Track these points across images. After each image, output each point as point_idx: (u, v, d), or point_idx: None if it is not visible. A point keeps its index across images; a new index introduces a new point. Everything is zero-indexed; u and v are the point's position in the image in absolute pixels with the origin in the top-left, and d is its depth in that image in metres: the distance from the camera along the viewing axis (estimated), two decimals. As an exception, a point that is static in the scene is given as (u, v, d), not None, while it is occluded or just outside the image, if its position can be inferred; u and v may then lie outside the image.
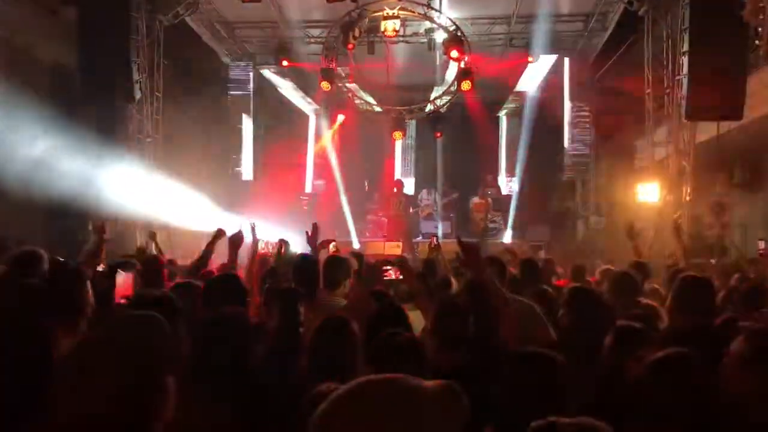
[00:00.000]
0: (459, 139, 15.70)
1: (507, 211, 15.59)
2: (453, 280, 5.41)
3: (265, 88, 16.00)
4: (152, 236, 8.56)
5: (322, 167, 16.22)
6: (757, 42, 9.77)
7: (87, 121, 10.29)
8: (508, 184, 16.66)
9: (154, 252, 7.87)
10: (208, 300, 3.36)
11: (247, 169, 15.46)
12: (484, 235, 14.39)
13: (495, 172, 16.60)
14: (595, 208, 15.56)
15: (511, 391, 2.30)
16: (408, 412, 1.03)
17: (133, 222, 11.10)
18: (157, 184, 11.26)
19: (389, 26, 12.33)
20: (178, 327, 2.40)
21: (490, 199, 14.83)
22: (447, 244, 11.56)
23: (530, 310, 4.02)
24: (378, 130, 15.15)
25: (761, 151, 13.07)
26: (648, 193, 12.01)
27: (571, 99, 15.26)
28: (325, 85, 13.50)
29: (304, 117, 17.47)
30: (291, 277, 4.37)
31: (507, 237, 15.16)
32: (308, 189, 17.03)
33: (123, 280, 3.94)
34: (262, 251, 5.44)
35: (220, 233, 5.19)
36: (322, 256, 4.93)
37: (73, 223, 11.19)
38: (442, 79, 15.13)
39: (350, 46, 12.40)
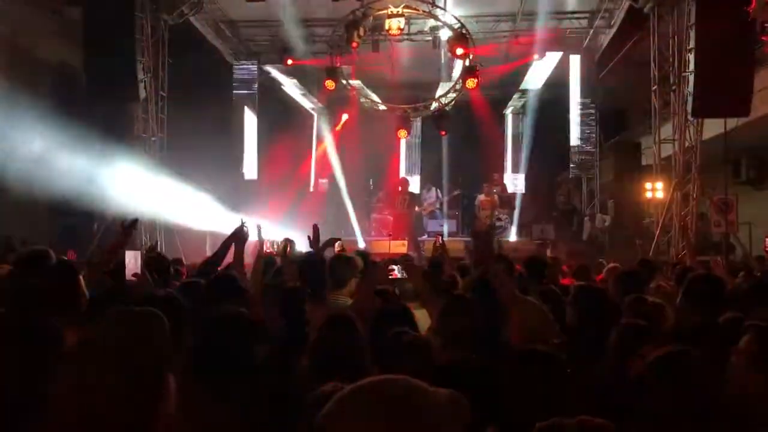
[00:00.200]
0: (464, 137, 15.66)
1: (513, 209, 15.56)
2: (459, 279, 5.41)
3: (269, 87, 16.02)
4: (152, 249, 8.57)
5: (327, 166, 16.21)
6: (763, 38, 9.73)
7: (91, 120, 10.31)
8: (514, 182, 16.62)
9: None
10: (209, 299, 3.35)
11: (251, 168, 15.47)
12: (490, 234, 14.35)
13: (501, 170, 16.55)
14: (601, 206, 15.52)
15: (515, 390, 2.30)
16: (411, 414, 1.03)
17: (135, 215, 11.14)
18: (162, 183, 11.29)
19: (394, 24, 12.32)
20: (182, 326, 2.40)
21: (496, 197, 14.79)
22: (452, 242, 11.58)
23: (538, 310, 4.01)
24: (383, 129, 15.12)
25: (768, 148, 13.02)
26: (654, 190, 11.98)
27: (577, 97, 15.21)
28: (329, 84, 13.49)
29: (308, 116, 17.47)
30: (297, 277, 4.37)
31: (512, 235, 15.12)
32: (312, 188, 17.03)
33: (132, 259, 4.09)
34: (268, 251, 5.42)
35: (238, 233, 5.09)
36: (328, 255, 4.93)
37: (76, 222, 11.24)
38: (449, 76, 15.11)
39: (355, 44, 12.39)
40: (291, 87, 16.36)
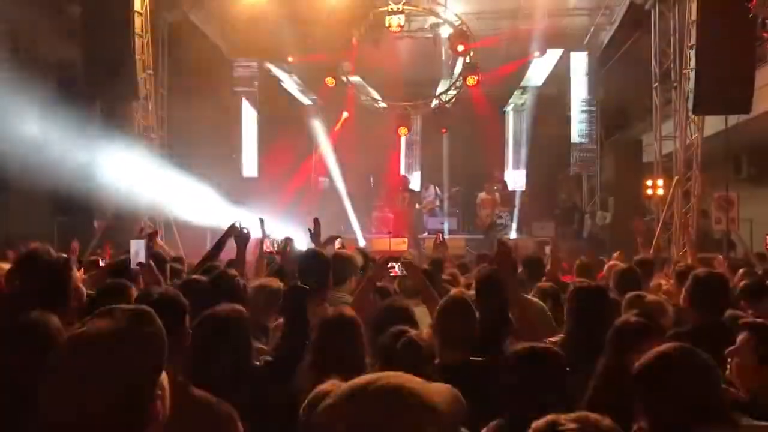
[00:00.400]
0: (465, 135, 15.64)
1: (514, 206, 15.56)
2: (459, 277, 5.41)
3: (270, 84, 16.00)
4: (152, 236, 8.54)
5: (327, 164, 16.19)
6: (765, 34, 9.71)
7: (92, 118, 10.32)
8: (515, 180, 16.61)
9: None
10: (210, 298, 3.34)
11: (252, 165, 15.46)
12: (491, 231, 14.37)
13: (501, 168, 16.54)
14: (602, 203, 15.51)
15: (514, 387, 2.30)
16: (409, 410, 1.03)
17: (136, 212, 11.15)
18: (163, 180, 11.29)
19: (394, 21, 12.30)
20: (182, 324, 2.40)
21: (497, 195, 14.78)
22: (452, 240, 11.60)
23: (538, 308, 4.01)
24: (383, 126, 15.11)
25: (769, 146, 13.00)
26: (655, 188, 11.96)
27: (578, 94, 15.19)
28: (329, 81, 13.48)
29: (308, 113, 17.44)
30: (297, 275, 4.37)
31: (513, 233, 15.12)
32: (312, 185, 17.00)
33: (137, 249, 4.20)
34: (268, 250, 5.41)
35: (233, 231, 5.09)
36: (329, 252, 4.91)
37: (76, 219, 11.24)
38: (449, 74, 15.09)
39: (355, 41, 12.38)
40: (291, 84, 16.35)
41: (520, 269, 4.94)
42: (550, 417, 1.41)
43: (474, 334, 3.11)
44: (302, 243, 6.78)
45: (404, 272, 4.12)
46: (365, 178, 16.01)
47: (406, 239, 13.33)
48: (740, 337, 2.48)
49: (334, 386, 1.92)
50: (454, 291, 3.81)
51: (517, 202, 15.45)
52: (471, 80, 13.24)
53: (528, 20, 13.63)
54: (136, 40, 10.88)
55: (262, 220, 5.48)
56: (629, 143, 15.78)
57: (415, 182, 16.81)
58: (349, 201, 15.17)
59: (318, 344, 2.77)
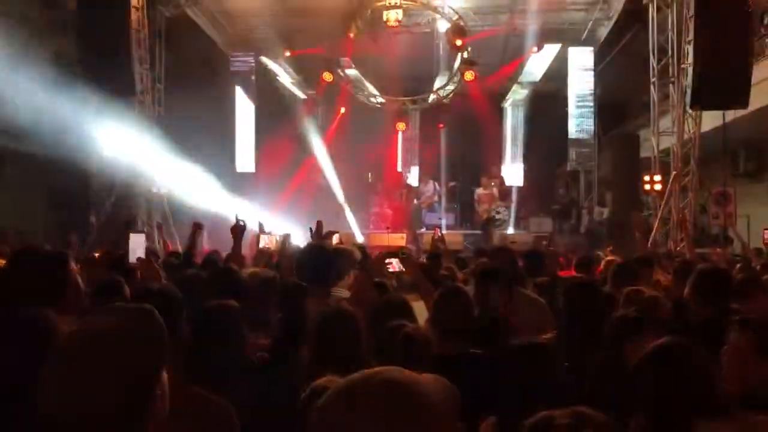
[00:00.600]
0: (463, 130, 15.64)
1: (511, 202, 15.56)
2: (456, 271, 5.41)
3: (267, 78, 15.96)
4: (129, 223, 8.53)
5: (324, 160, 16.15)
6: (763, 29, 9.72)
7: (88, 113, 10.28)
8: (513, 175, 16.61)
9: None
10: (208, 294, 3.34)
11: (249, 160, 15.44)
12: (489, 226, 14.38)
13: (499, 163, 16.54)
14: (599, 198, 15.52)
15: (510, 381, 2.30)
16: (409, 403, 1.03)
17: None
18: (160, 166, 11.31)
19: (391, 16, 12.28)
20: (178, 320, 2.39)
21: (495, 190, 14.80)
22: (450, 235, 11.58)
23: (536, 302, 4.02)
24: (381, 121, 15.09)
25: (766, 141, 13.03)
26: (653, 183, 11.97)
27: (575, 89, 15.18)
28: (327, 76, 13.45)
29: (305, 108, 17.41)
30: (295, 271, 4.37)
31: (510, 228, 15.13)
32: (308, 181, 16.97)
33: (137, 244, 4.22)
34: (267, 246, 5.41)
35: (196, 227, 5.11)
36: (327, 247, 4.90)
37: (71, 214, 11.24)
38: (447, 69, 15.07)
39: (352, 36, 12.35)
40: (288, 79, 16.31)
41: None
42: (544, 413, 1.41)
43: (471, 325, 3.11)
44: (299, 240, 6.79)
45: (402, 267, 4.12)
46: (363, 173, 16.00)
47: (404, 235, 13.34)
48: (736, 333, 2.46)
49: (331, 382, 1.92)
50: (451, 283, 3.81)
51: (514, 197, 15.47)
52: (468, 75, 13.23)
53: (525, 15, 13.61)
54: (133, 35, 10.84)
55: (261, 224, 5.47)
56: (627, 138, 15.78)
57: (413, 178, 16.81)
58: (345, 197, 15.14)
59: (316, 339, 2.76)
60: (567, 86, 15.24)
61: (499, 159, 16.78)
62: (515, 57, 14.91)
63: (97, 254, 6.49)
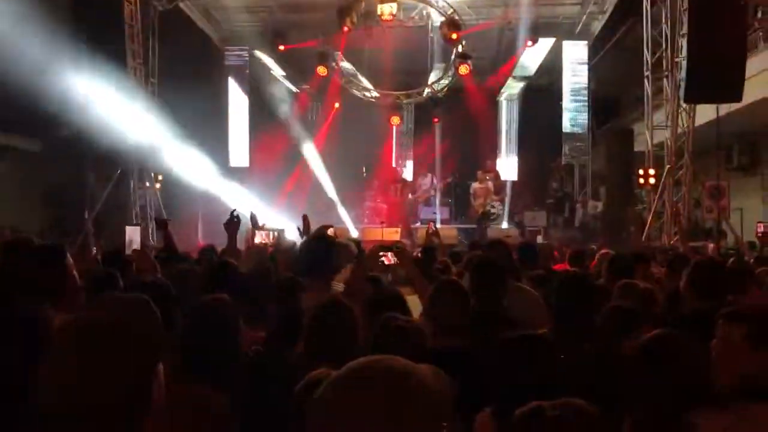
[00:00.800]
0: (457, 124, 15.62)
1: (506, 196, 15.58)
2: (451, 265, 5.41)
3: (261, 73, 15.89)
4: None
5: (318, 152, 16.12)
6: (756, 22, 9.73)
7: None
8: (507, 169, 16.62)
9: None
10: (206, 288, 3.33)
11: (243, 155, 15.40)
12: (483, 220, 14.40)
13: (494, 157, 16.55)
14: (593, 192, 15.55)
15: (505, 374, 2.30)
16: (407, 392, 1.03)
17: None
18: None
19: (386, 10, 12.24)
20: (173, 314, 2.39)
21: (491, 184, 14.81)
22: (445, 229, 11.59)
23: (531, 296, 4.02)
24: (375, 116, 15.07)
25: (760, 135, 13.07)
26: (647, 177, 12.00)
27: (570, 83, 15.19)
28: (321, 70, 13.41)
29: (300, 103, 17.37)
30: (288, 266, 4.38)
31: (504, 223, 15.15)
32: (302, 175, 16.93)
33: (133, 235, 4.20)
34: (262, 241, 5.41)
35: (160, 224, 5.07)
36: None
37: (66, 212, 11.20)
38: (441, 63, 15.04)
39: (347, 30, 12.31)
40: (282, 74, 16.24)
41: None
42: (533, 404, 1.41)
43: (467, 319, 3.11)
44: (293, 235, 6.79)
45: (396, 261, 4.11)
46: (358, 168, 15.97)
47: (398, 229, 13.34)
48: (724, 325, 2.46)
49: (325, 373, 1.91)
50: (446, 277, 3.81)
51: (508, 191, 15.48)
52: (463, 69, 13.21)
53: (519, 9, 13.59)
54: (126, 29, 10.79)
55: (254, 216, 5.44)
56: (621, 132, 15.82)
57: (407, 172, 16.80)
58: (339, 192, 15.12)
59: (311, 331, 2.76)
60: (561, 80, 15.24)
61: (493, 153, 16.79)
62: (509, 51, 14.90)
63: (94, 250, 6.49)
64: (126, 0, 10.77)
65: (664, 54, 11.41)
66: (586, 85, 15.18)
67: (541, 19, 13.70)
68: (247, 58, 15.32)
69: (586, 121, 15.38)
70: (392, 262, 4.12)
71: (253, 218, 5.00)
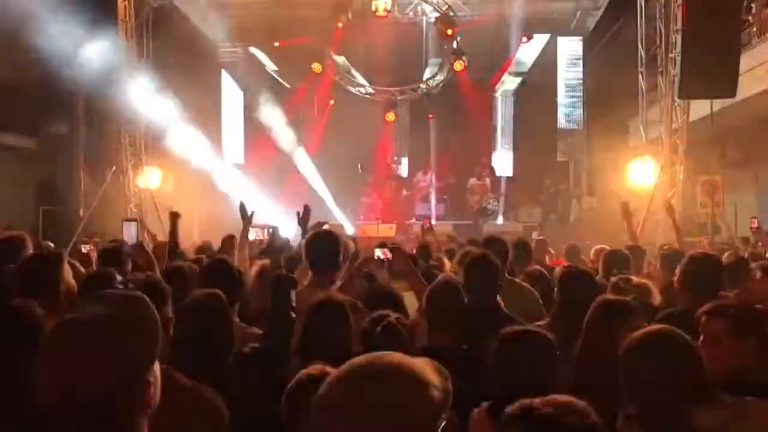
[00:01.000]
0: (453, 120, 15.62)
1: (501, 192, 15.59)
2: (446, 262, 5.41)
3: (255, 69, 15.83)
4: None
5: (312, 149, 16.07)
6: (750, 18, 9.75)
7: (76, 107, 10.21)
8: (502, 165, 16.63)
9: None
10: (202, 285, 3.33)
11: (237, 152, 15.36)
12: (480, 217, 14.41)
13: (489, 154, 16.55)
14: (588, 188, 15.56)
15: (501, 369, 2.30)
16: (405, 389, 1.04)
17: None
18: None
19: (380, 6, 12.23)
20: (166, 311, 2.38)
21: (487, 181, 14.82)
22: (440, 226, 11.59)
23: (526, 291, 4.03)
24: (370, 112, 15.04)
25: (754, 130, 13.10)
26: (641, 172, 12.01)
27: (564, 78, 15.19)
28: (316, 67, 13.39)
29: (295, 99, 17.30)
30: (281, 264, 4.39)
31: (500, 218, 15.16)
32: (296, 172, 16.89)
33: (130, 229, 4.23)
34: (256, 238, 5.38)
35: (174, 217, 5.06)
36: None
37: (62, 209, 11.17)
38: (436, 59, 15.02)
39: (341, 26, 12.29)
40: (278, 69, 16.19)
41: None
42: (524, 401, 1.40)
43: (462, 318, 3.12)
44: (287, 230, 6.78)
45: (391, 257, 4.11)
46: (353, 165, 15.94)
47: (394, 225, 13.34)
48: (709, 321, 2.46)
49: (319, 370, 1.92)
50: (442, 275, 3.81)
51: (503, 188, 15.49)
52: (458, 65, 13.21)
53: (514, 5, 13.57)
54: (120, 25, 10.74)
55: (252, 212, 5.41)
56: (616, 128, 15.83)
57: (403, 168, 16.78)
58: (334, 189, 15.08)
59: (306, 329, 2.76)
60: (556, 76, 15.24)
61: (489, 149, 16.79)
62: (505, 47, 14.87)
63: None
64: (120, -4, 10.73)
65: (658, 50, 11.41)
66: (581, 81, 15.18)
67: (535, 14, 13.69)
68: (241, 55, 15.27)
69: (581, 117, 15.38)
70: (388, 256, 4.11)
71: (242, 208, 4.92)
